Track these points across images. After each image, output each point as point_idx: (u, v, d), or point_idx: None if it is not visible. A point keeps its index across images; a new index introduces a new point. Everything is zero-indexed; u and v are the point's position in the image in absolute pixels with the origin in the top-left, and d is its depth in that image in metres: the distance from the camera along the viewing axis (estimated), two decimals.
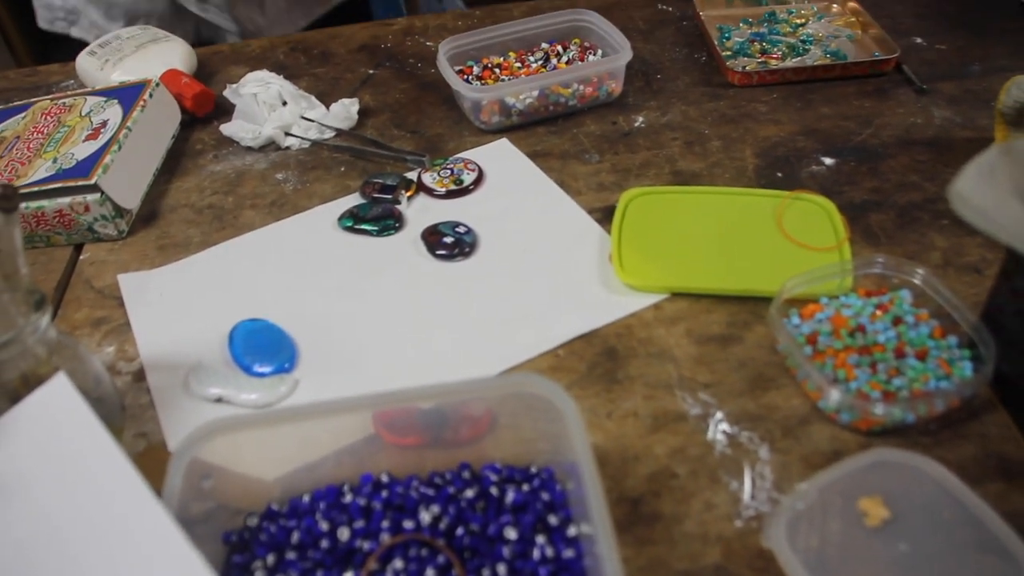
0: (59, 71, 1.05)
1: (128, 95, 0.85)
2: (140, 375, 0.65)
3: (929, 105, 0.86)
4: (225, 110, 0.91)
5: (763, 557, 0.51)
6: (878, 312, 0.63)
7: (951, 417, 0.58)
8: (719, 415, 0.59)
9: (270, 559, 0.51)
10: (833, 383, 0.57)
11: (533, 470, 0.54)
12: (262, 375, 0.63)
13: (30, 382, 0.55)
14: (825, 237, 0.70)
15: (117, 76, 0.93)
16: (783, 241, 0.71)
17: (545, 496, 0.52)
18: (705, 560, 0.51)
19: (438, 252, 0.72)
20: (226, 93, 0.89)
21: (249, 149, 0.87)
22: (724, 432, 0.58)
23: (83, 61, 0.96)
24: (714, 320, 0.65)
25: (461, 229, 0.73)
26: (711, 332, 0.64)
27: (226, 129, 0.87)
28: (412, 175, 0.80)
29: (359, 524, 0.52)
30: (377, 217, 0.75)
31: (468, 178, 0.79)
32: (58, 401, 0.52)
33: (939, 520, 0.52)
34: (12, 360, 0.54)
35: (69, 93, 0.89)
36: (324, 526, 0.52)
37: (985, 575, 0.49)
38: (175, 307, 0.70)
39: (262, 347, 0.65)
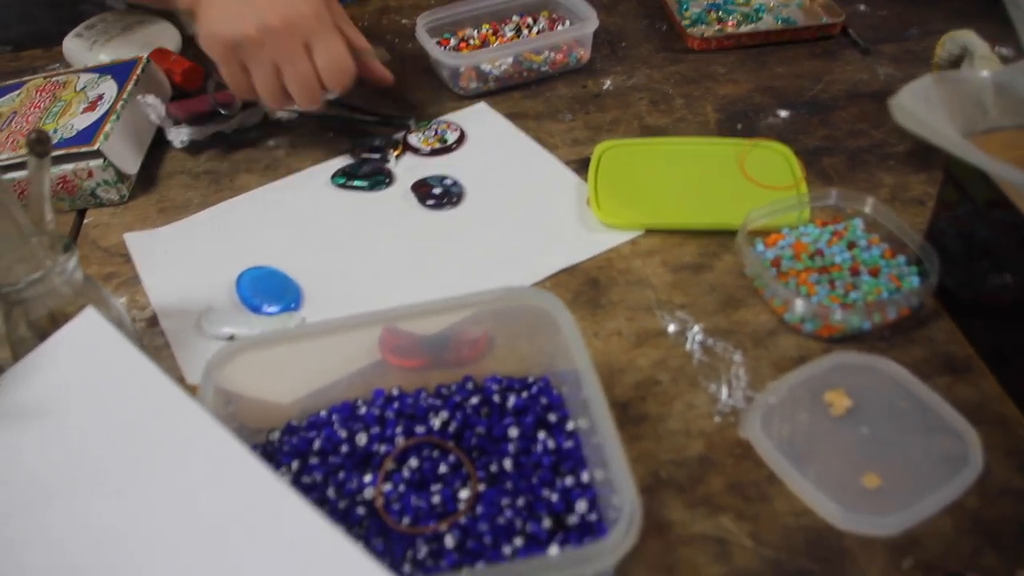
0: (42, 55, 1.08)
1: (121, 71, 0.89)
2: (153, 321, 0.69)
3: (873, 64, 0.93)
4: None
5: (741, 446, 0.57)
6: (834, 238, 0.70)
7: (902, 325, 0.64)
8: (695, 329, 0.65)
9: (294, 465, 0.55)
10: (797, 297, 0.63)
11: (531, 379, 0.59)
12: (270, 314, 0.68)
13: (58, 320, 0.59)
14: (783, 178, 0.77)
15: (105, 56, 0.96)
16: (745, 183, 0.77)
17: (543, 400, 0.58)
18: (689, 451, 0.57)
19: (428, 202, 0.77)
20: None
21: None
22: (700, 344, 0.64)
23: (70, 43, 0.99)
24: (686, 252, 0.71)
25: (448, 181, 0.78)
26: (684, 262, 0.70)
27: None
28: (398, 136, 0.85)
29: (375, 431, 0.56)
30: (368, 174, 0.80)
31: (451, 137, 0.84)
32: (91, 331, 0.56)
33: (895, 408, 0.58)
34: (40, 298, 0.58)
35: (61, 72, 0.93)
36: (343, 434, 0.56)
37: (936, 451, 0.56)
38: (181, 260, 0.74)
39: (268, 290, 0.70)
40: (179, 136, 0.85)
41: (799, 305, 0.63)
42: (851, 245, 0.69)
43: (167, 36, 1.00)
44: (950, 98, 0.60)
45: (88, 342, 0.56)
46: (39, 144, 0.56)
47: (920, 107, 0.55)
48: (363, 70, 0.80)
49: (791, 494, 0.54)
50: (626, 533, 0.44)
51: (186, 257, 0.75)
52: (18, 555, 0.46)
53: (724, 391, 0.60)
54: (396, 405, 0.58)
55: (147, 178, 0.84)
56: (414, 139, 0.84)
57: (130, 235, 0.77)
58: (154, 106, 0.85)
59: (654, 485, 0.55)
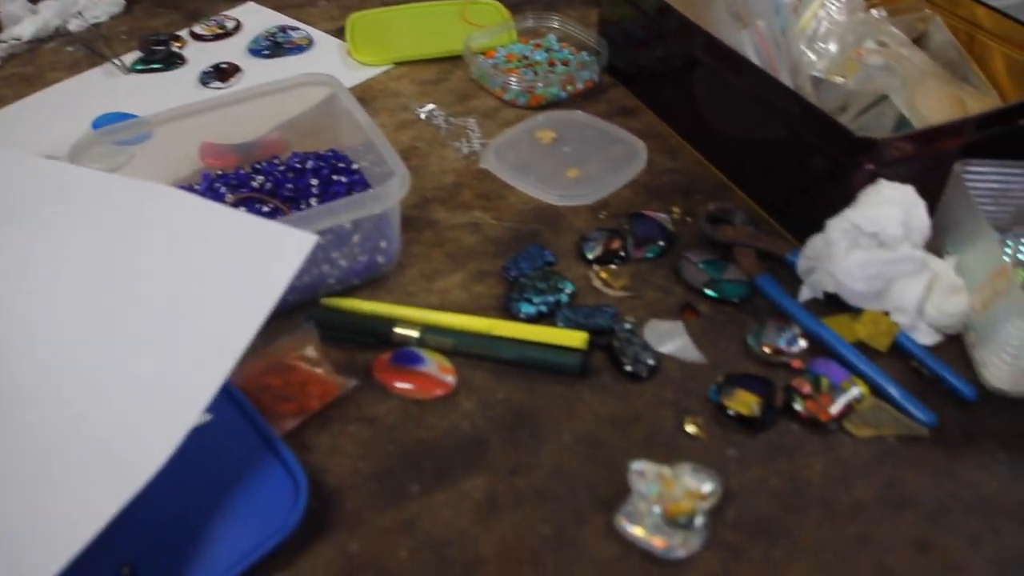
0: None
1: None
2: None
3: None
4: None
5: (482, 172, 0.79)
6: (535, 48, 0.93)
7: (589, 93, 0.89)
8: (441, 115, 0.86)
9: None
10: (511, 80, 0.86)
11: (322, 151, 0.78)
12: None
13: None
14: (495, 20, 1.00)
15: None
16: (468, 26, 1.00)
17: (333, 161, 0.77)
18: (445, 181, 0.78)
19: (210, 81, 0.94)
20: None
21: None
22: (445, 122, 0.85)
23: None
24: (428, 73, 0.93)
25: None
26: (427, 78, 0.92)
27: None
28: (180, 33, 1.01)
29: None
30: (163, 59, 0.96)
31: (230, 24, 1.02)
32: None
33: (587, 136, 0.82)
34: None
35: None
36: None
37: (617, 154, 0.80)
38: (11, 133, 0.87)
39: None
40: None
41: (513, 84, 0.86)
42: (548, 50, 0.93)
43: None
44: None
45: None
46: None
47: None
48: None
49: (520, 192, 0.76)
50: (400, 185, 0.64)
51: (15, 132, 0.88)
52: None
53: (465, 145, 0.82)
54: (222, 179, 0.75)
55: None
56: (199, 29, 1.01)
57: None
58: None
59: (423, 202, 0.76)
